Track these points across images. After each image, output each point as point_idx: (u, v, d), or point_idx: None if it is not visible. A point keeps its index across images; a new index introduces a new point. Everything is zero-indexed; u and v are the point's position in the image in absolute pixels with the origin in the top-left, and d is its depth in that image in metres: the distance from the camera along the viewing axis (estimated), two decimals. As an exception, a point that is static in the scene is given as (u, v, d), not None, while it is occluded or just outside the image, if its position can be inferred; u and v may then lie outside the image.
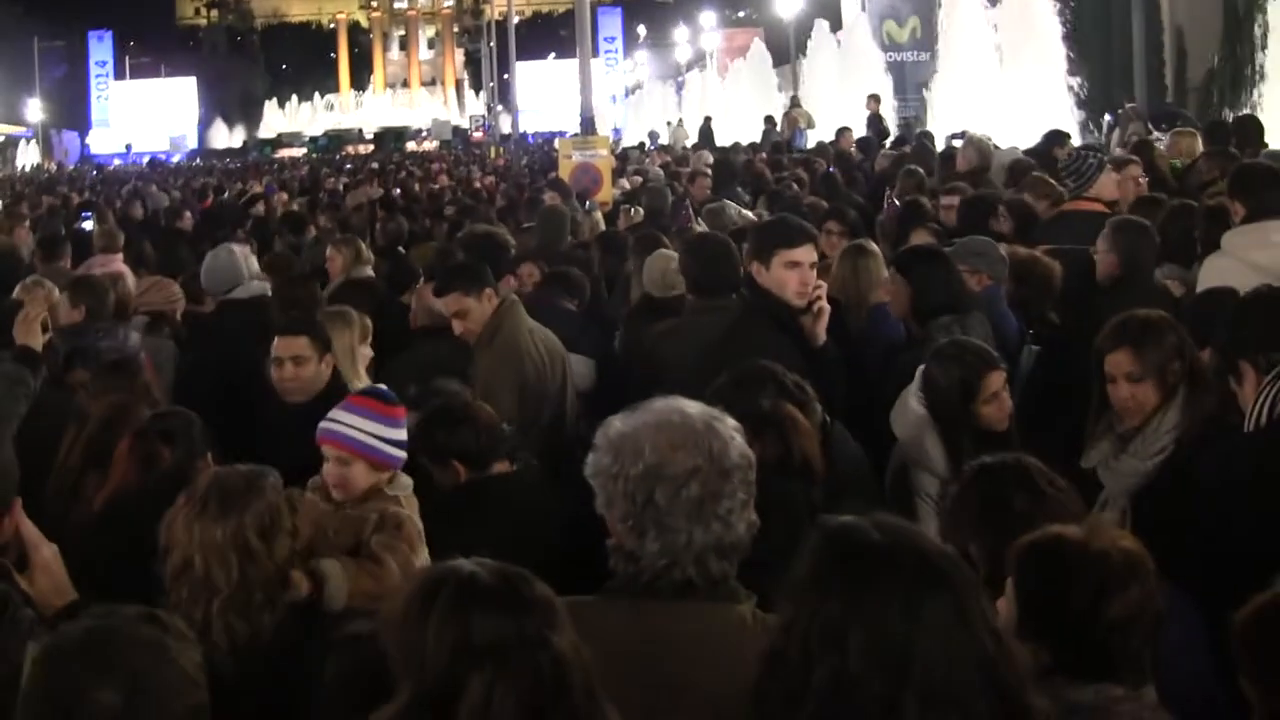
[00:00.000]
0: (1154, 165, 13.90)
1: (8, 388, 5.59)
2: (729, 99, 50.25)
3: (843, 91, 36.66)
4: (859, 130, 28.69)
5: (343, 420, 5.56)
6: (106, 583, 4.41)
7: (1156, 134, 18.19)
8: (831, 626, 2.82)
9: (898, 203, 13.77)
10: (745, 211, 14.22)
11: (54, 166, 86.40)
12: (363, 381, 7.71)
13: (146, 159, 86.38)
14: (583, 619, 3.60)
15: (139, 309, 10.48)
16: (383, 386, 6.01)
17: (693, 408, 3.76)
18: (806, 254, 7.07)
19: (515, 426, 6.83)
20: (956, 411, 6.32)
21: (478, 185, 32.37)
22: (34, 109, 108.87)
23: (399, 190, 29.14)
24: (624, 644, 3.61)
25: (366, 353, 8.47)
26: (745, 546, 3.70)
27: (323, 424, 5.58)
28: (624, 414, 3.76)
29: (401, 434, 5.67)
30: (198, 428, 6.15)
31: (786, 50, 48.90)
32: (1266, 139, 16.17)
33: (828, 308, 7.07)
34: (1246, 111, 23.53)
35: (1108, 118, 29.09)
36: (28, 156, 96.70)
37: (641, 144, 43.07)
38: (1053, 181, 12.26)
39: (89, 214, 21.96)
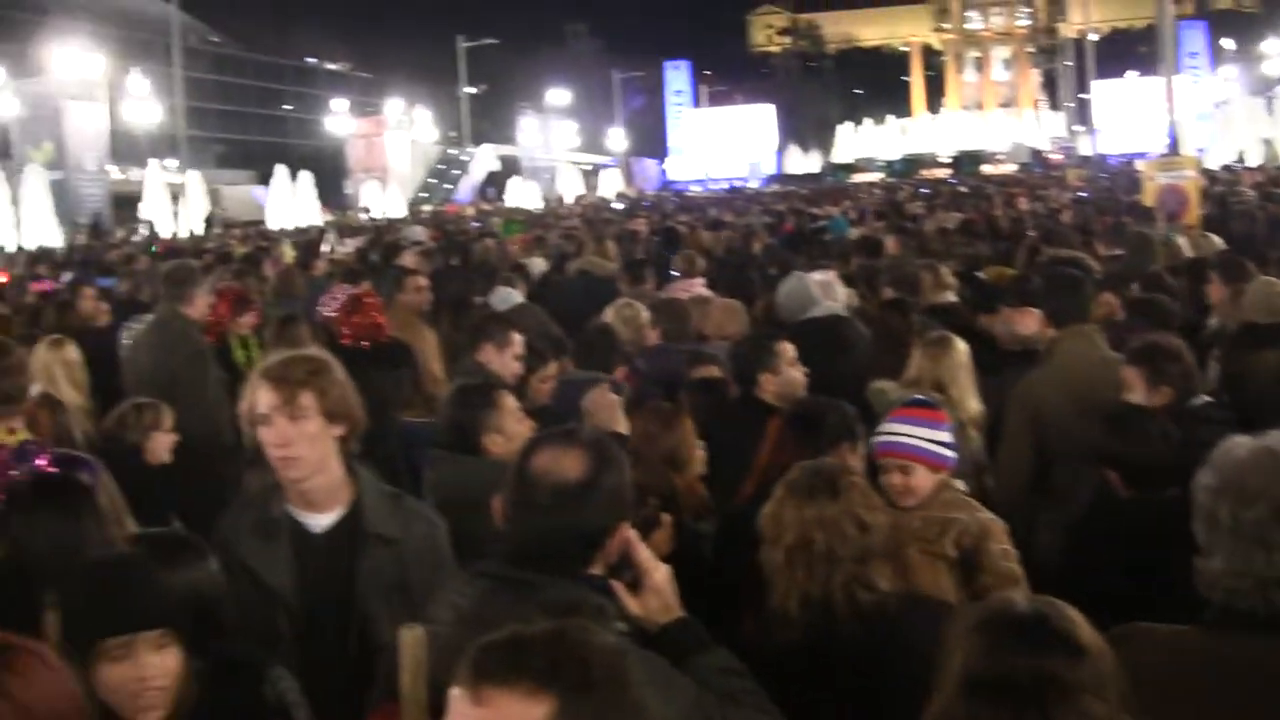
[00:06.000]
0: None
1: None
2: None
3: None
4: None
5: (896, 430, 6.00)
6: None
7: None
8: None
9: None
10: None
11: (634, 193, 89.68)
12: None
13: (725, 184, 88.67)
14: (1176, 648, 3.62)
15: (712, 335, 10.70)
16: (921, 395, 6.33)
17: None
18: None
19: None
20: None
21: (1056, 207, 31.79)
22: (615, 138, 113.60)
23: (976, 215, 28.86)
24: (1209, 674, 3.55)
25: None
26: None
27: (881, 438, 6.02)
28: (1247, 439, 3.63)
29: (948, 435, 6.08)
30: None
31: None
32: None
33: None
34: None
35: None
36: (610, 184, 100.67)
37: (1232, 165, 41.42)
38: None
39: (665, 238, 22.64)
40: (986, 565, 5.66)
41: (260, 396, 4.80)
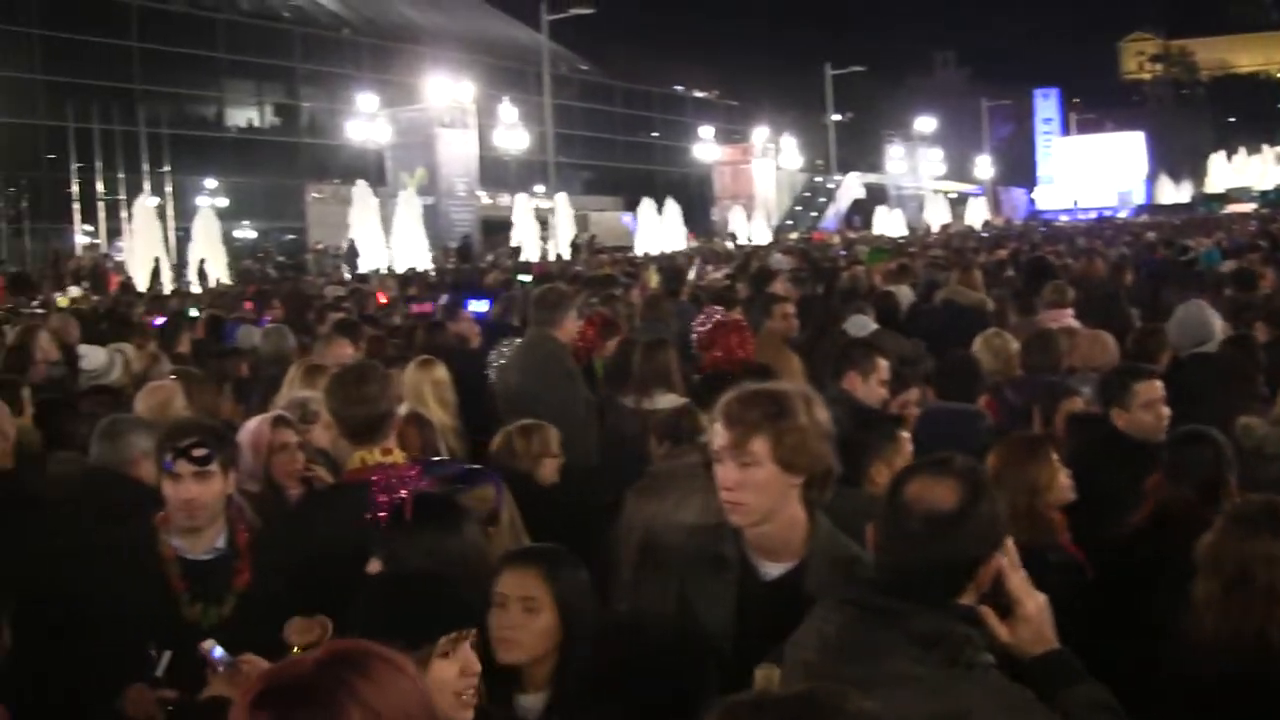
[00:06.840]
0: None
1: None
2: None
3: None
4: None
5: None
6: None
7: None
8: None
9: None
10: None
11: (1001, 222, 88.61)
12: None
13: (1093, 214, 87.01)
14: None
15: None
16: None
17: None
18: None
19: None
20: None
21: None
22: (983, 166, 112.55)
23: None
24: None
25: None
26: None
27: None
28: None
29: None
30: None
31: None
32: None
33: None
34: None
35: None
36: (977, 212, 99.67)
37: None
38: None
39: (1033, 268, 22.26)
40: None
41: (715, 432, 4.48)
